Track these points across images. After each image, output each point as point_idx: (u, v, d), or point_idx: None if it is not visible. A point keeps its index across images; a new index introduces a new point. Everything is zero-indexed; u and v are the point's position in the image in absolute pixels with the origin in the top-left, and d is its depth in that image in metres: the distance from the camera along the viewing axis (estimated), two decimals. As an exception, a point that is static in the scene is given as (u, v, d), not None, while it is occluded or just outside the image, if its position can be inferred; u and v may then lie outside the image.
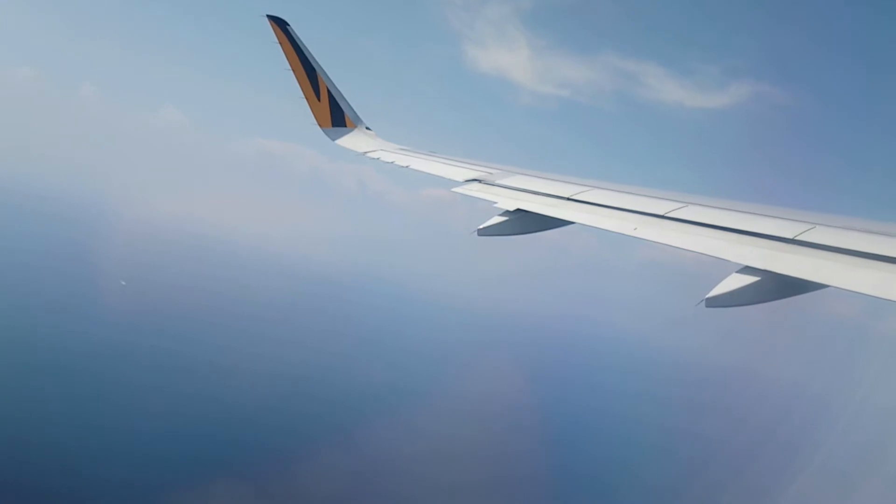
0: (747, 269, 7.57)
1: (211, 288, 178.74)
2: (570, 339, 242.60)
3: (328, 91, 17.56)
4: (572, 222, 10.35)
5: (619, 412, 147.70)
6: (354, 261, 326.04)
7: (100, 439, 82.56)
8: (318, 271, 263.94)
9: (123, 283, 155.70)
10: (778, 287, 7.44)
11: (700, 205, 9.58)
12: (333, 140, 17.80)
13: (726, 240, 8.45)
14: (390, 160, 15.80)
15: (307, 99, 17.41)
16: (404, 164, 15.31)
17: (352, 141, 17.71)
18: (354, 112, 18.21)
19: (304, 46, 16.78)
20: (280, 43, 16.69)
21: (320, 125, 17.83)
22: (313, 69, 17.07)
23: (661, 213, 9.46)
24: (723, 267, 7.83)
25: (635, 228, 9.29)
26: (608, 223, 9.80)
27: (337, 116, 17.93)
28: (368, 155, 16.68)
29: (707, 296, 7.41)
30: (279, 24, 16.60)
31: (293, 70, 16.93)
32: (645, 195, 10.41)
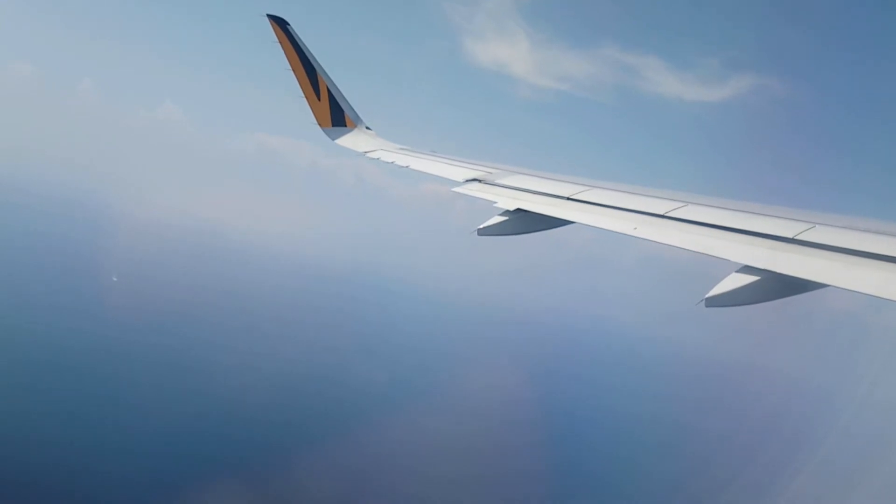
0: (747, 269, 7.59)
1: (209, 284, 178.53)
2: (571, 336, 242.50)
3: (328, 90, 17.58)
4: (572, 222, 10.39)
5: (621, 408, 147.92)
6: (353, 257, 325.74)
7: (99, 436, 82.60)
8: (317, 267, 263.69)
9: (115, 278, 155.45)
10: (778, 287, 7.46)
11: (700, 204, 9.62)
12: (333, 140, 17.83)
13: (726, 239, 8.47)
14: (390, 160, 15.84)
15: (307, 98, 17.43)
16: (404, 164, 15.35)
17: (352, 141, 17.73)
18: (354, 111, 18.24)
19: (305, 46, 16.80)
20: (280, 42, 16.70)
21: (320, 125, 17.85)
22: (313, 69, 17.09)
23: (661, 212, 9.49)
24: (723, 266, 7.86)
25: (635, 228, 9.32)
26: (608, 223, 9.83)
27: (337, 116, 17.95)
28: (368, 155, 16.71)
29: (707, 295, 7.44)
30: (279, 23, 16.61)
31: (293, 69, 16.95)
32: (645, 195, 10.45)
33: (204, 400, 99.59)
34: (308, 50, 16.91)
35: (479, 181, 12.98)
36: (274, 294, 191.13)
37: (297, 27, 16.75)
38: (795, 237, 7.88)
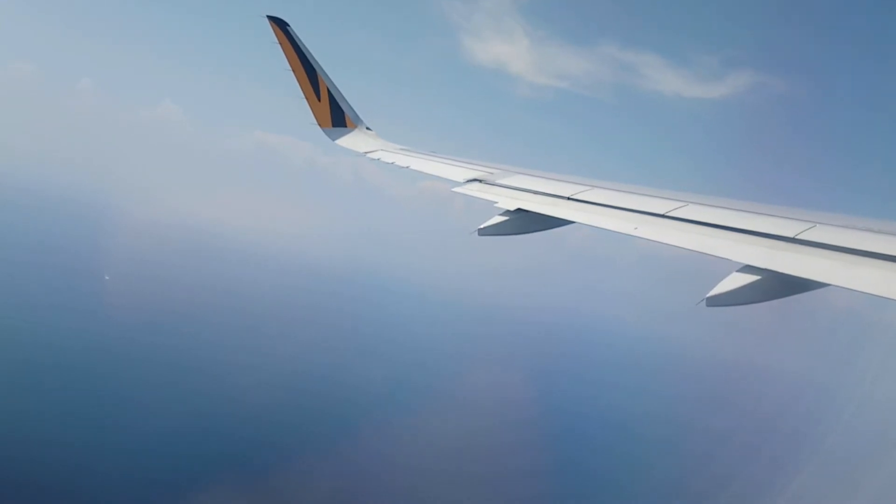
0: (748, 268, 7.60)
1: (209, 284, 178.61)
2: (571, 335, 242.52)
3: (328, 91, 17.57)
4: (573, 222, 10.40)
5: (622, 406, 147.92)
6: (352, 255, 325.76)
7: (100, 436, 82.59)
8: (317, 266, 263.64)
9: (107, 277, 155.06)
10: (779, 286, 7.47)
11: (700, 204, 9.62)
12: (334, 140, 17.83)
13: (727, 239, 8.48)
14: (391, 161, 15.86)
15: (307, 99, 17.42)
16: (405, 165, 15.37)
17: (352, 141, 17.73)
18: (354, 112, 18.23)
19: (305, 47, 16.79)
20: (280, 43, 16.70)
21: (320, 125, 17.85)
22: (313, 69, 17.08)
23: (661, 212, 9.49)
24: (723, 266, 7.87)
25: (636, 228, 9.33)
26: (609, 222, 9.84)
27: (337, 116, 17.94)
28: (369, 155, 16.71)
29: (708, 295, 7.44)
30: (279, 24, 16.60)
31: (293, 70, 16.95)
32: (645, 194, 10.46)
33: (202, 399, 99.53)
34: (308, 51, 16.91)
35: (480, 181, 13.01)
36: (273, 293, 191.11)
37: (296, 27, 16.76)
38: (796, 237, 7.88)
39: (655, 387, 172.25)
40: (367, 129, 18.30)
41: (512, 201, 11.43)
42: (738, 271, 7.63)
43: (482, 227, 11.04)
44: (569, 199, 10.92)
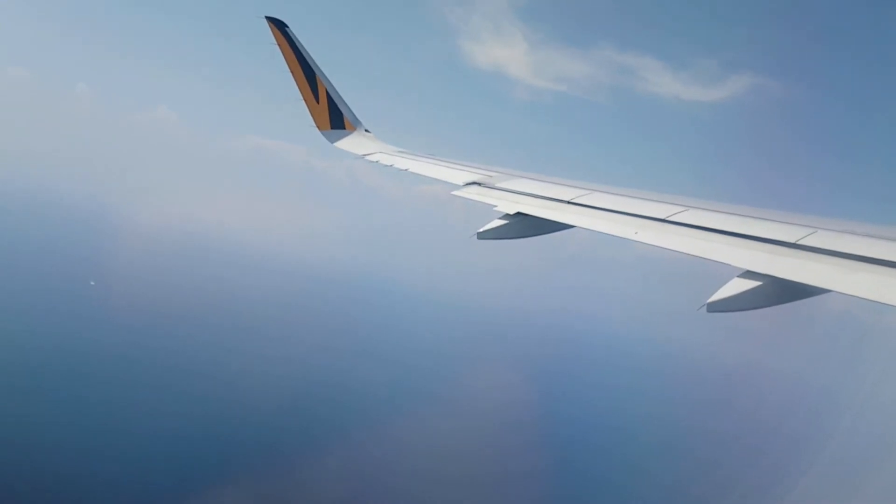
0: (748, 274, 7.56)
1: (206, 287, 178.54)
2: (572, 338, 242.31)
3: (327, 93, 17.51)
4: (573, 226, 10.35)
5: (623, 409, 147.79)
6: (351, 258, 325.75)
7: (100, 440, 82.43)
8: (316, 269, 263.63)
9: (93, 283, 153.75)
10: (779, 292, 7.42)
11: (701, 208, 9.58)
12: (332, 142, 17.77)
13: (727, 244, 8.44)
14: (389, 163, 15.81)
15: (306, 101, 17.35)
16: (403, 167, 15.33)
17: (351, 143, 17.68)
18: (353, 114, 18.17)
19: (304, 48, 16.73)
20: (279, 45, 16.62)
21: (319, 127, 17.78)
22: (312, 71, 17.01)
23: (661, 216, 9.46)
24: (724, 271, 7.82)
25: (636, 232, 9.29)
26: (609, 227, 9.80)
27: (336, 119, 17.89)
28: (368, 158, 16.67)
29: (708, 300, 7.40)
30: (278, 25, 16.53)
31: (292, 72, 16.88)
32: (646, 199, 10.41)
33: (201, 402, 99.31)
34: (307, 52, 16.84)
35: (479, 184, 12.96)
36: (272, 296, 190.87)
37: (295, 29, 16.68)
38: (797, 242, 7.84)
39: (656, 390, 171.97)
40: (366, 131, 18.25)
41: (512, 205, 11.38)
42: (738, 277, 7.58)
43: (481, 230, 10.99)
44: (569, 202, 10.88)
